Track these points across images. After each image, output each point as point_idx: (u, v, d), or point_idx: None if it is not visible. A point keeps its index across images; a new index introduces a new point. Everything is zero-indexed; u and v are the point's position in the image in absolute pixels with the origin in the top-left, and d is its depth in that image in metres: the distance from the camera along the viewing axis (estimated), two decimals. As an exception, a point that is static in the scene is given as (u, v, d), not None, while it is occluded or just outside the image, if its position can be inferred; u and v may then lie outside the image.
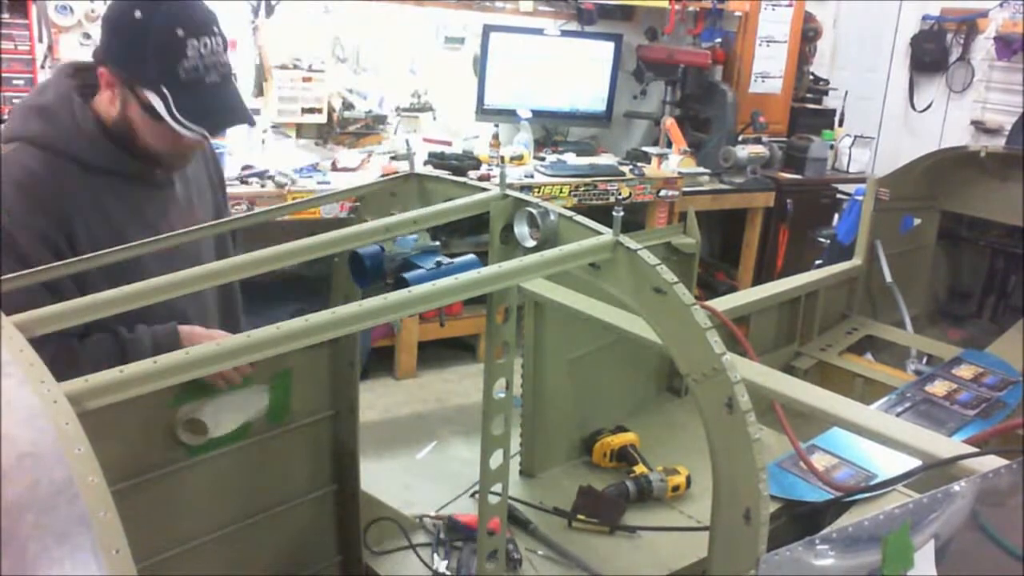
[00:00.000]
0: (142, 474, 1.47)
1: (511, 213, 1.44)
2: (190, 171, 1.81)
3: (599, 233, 1.29)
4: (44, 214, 1.55)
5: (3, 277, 1.25)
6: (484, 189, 1.49)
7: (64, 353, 1.51)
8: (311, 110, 4.23)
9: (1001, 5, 5.56)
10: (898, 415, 2.66)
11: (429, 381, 4.34)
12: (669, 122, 5.06)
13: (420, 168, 1.80)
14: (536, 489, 2.24)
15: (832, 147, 5.51)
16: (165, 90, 1.54)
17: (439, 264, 1.37)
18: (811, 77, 5.86)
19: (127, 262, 1.38)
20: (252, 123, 1.72)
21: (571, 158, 4.72)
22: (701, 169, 4.96)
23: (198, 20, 1.56)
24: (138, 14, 1.53)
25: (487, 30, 4.62)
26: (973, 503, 1.20)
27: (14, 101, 3.63)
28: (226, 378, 1.53)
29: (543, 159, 4.65)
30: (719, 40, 5.21)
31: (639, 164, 4.70)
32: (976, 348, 3.24)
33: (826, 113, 5.80)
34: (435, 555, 1.95)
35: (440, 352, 4.52)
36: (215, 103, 1.60)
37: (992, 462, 1.39)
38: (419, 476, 3.39)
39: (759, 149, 5.04)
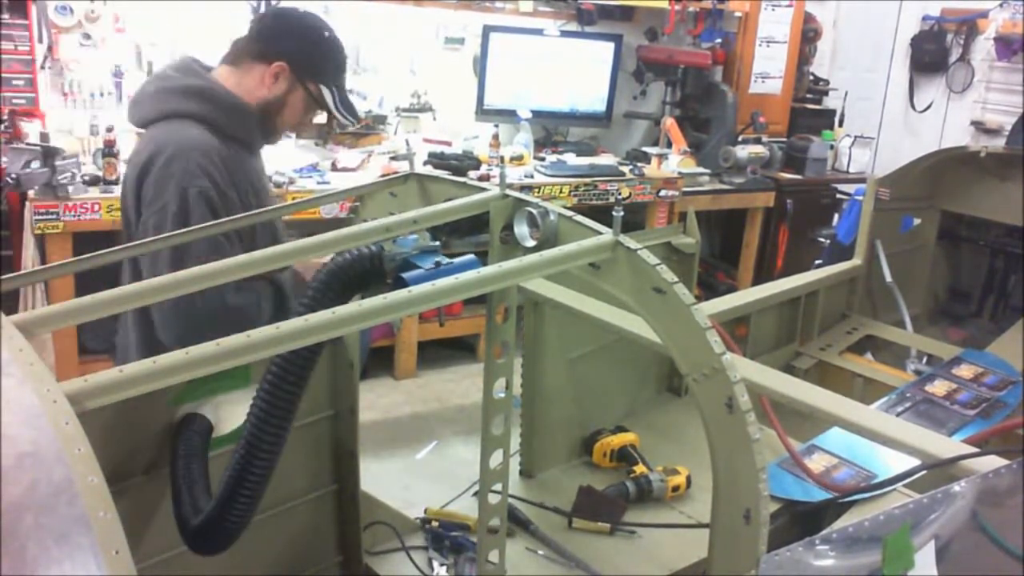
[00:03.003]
0: (142, 474, 1.47)
1: (511, 213, 1.44)
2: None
3: (599, 233, 1.29)
4: (222, 176, 1.94)
5: (3, 277, 1.25)
6: (484, 189, 1.49)
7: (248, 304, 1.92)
8: (311, 110, 4.22)
9: (1001, 5, 5.56)
10: (898, 415, 2.66)
11: (429, 381, 4.34)
12: (669, 122, 5.06)
13: (420, 168, 1.80)
14: (536, 489, 2.24)
15: (832, 147, 5.51)
16: (334, 88, 2.09)
17: (438, 264, 1.36)
18: (811, 77, 5.87)
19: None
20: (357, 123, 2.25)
21: (571, 158, 4.72)
22: (701, 169, 4.96)
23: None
24: (327, 34, 2.11)
25: (487, 30, 4.62)
26: (973, 503, 1.20)
27: (15, 101, 3.64)
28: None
29: (543, 159, 4.66)
30: (719, 40, 5.21)
31: (639, 164, 4.70)
32: (976, 348, 3.24)
33: (826, 113, 5.81)
34: (432, 560, 1.94)
35: (440, 352, 4.52)
36: (350, 99, 2.16)
37: (992, 462, 1.39)
38: (419, 476, 3.39)
39: (759, 149, 5.04)
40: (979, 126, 5.78)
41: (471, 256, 1.38)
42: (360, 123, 2.11)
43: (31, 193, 3.27)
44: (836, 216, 5.13)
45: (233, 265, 1.28)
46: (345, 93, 2.13)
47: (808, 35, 5.63)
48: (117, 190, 3.37)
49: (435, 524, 2.01)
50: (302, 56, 2.06)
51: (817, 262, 4.08)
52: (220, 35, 4.04)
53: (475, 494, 1.99)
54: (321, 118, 4.30)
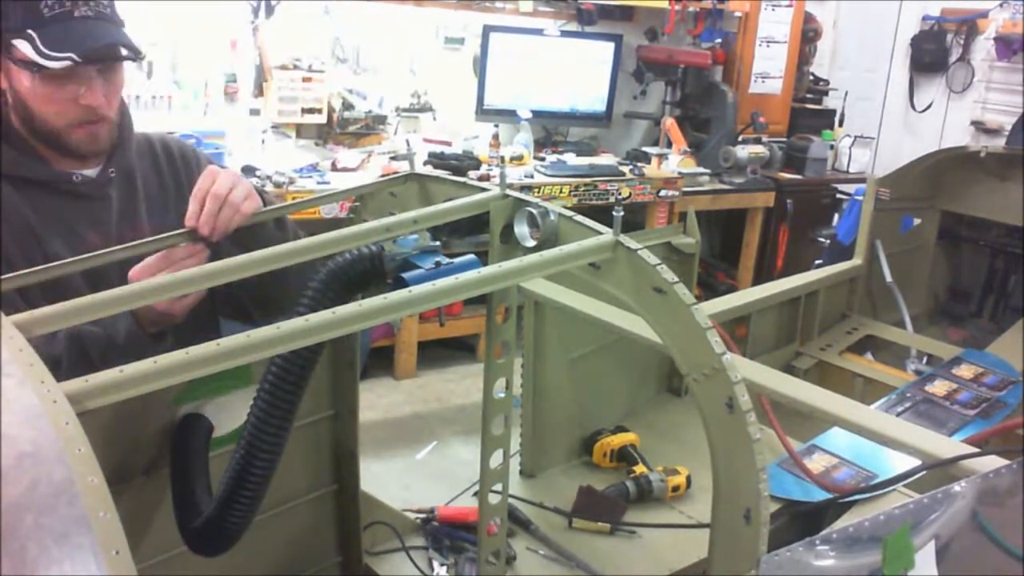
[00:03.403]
0: (142, 474, 1.47)
1: (511, 213, 1.44)
2: (140, 183, 1.72)
3: (599, 233, 1.29)
4: None
5: (3, 277, 1.25)
6: (484, 189, 1.49)
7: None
8: (311, 110, 4.23)
9: (1001, 5, 5.56)
10: (898, 415, 2.66)
11: (429, 381, 4.34)
12: (669, 122, 5.06)
13: (420, 168, 1.80)
14: (536, 489, 2.24)
15: (832, 147, 5.51)
16: (31, 32, 1.46)
17: (438, 264, 1.36)
18: (811, 77, 5.87)
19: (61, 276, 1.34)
20: (134, 57, 1.57)
21: (571, 158, 4.72)
22: (701, 169, 4.96)
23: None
24: None
25: (487, 30, 4.62)
26: (973, 503, 1.20)
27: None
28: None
29: (543, 159, 4.65)
30: (719, 40, 5.21)
31: (639, 164, 4.70)
32: (976, 348, 3.24)
33: (826, 113, 5.81)
34: (432, 560, 1.94)
35: (440, 352, 4.52)
36: (86, 33, 1.49)
37: (992, 462, 1.39)
38: (419, 476, 3.39)
39: (759, 149, 5.04)
40: (979, 126, 5.78)
41: (471, 256, 1.38)
42: (76, 57, 1.44)
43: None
44: (836, 216, 5.13)
45: (228, 267, 1.28)
46: (63, 24, 1.48)
47: (808, 35, 5.63)
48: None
49: (436, 523, 2.02)
50: None
51: (817, 262, 4.08)
52: (219, 35, 4.08)
53: (475, 494, 1.99)
54: (359, 103, 4.31)
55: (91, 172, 1.65)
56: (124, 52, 1.55)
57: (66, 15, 1.48)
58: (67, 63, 1.46)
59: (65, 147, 1.59)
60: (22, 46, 1.47)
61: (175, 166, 1.79)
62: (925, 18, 6.01)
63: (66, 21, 1.48)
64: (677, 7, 4.96)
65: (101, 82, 1.55)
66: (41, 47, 1.46)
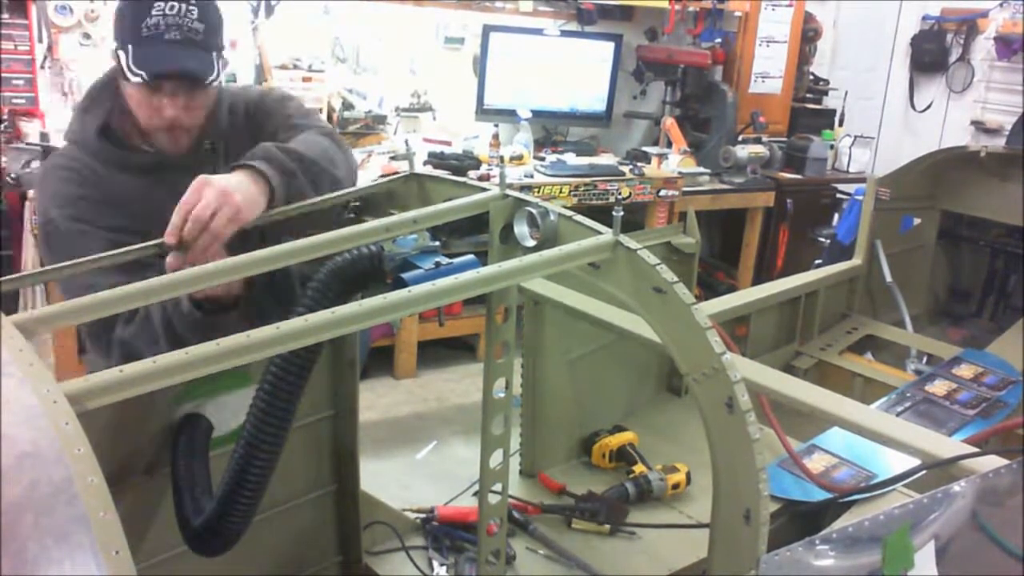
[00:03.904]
0: (142, 474, 1.47)
1: (511, 213, 1.44)
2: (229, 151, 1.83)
3: (599, 233, 1.29)
4: (80, 204, 1.70)
5: (3, 277, 1.25)
6: (484, 189, 1.49)
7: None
8: (311, 110, 4.22)
9: (1001, 5, 5.56)
10: (898, 415, 2.66)
11: (429, 381, 4.34)
12: (669, 122, 5.06)
13: (420, 168, 1.80)
14: (536, 489, 2.24)
15: (832, 147, 5.51)
16: (129, 46, 1.64)
17: (438, 264, 1.36)
18: (811, 77, 5.87)
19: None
20: (204, 80, 1.69)
21: (571, 158, 4.72)
22: (701, 169, 4.96)
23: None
24: None
25: (487, 30, 4.62)
26: (973, 503, 1.20)
27: (14, 101, 3.64)
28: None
29: (543, 159, 4.65)
30: (719, 40, 5.21)
31: (639, 164, 4.70)
32: (976, 348, 3.24)
33: (826, 113, 5.80)
34: (432, 560, 1.94)
35: (440, 352, 4.52)
36: (167, 55, 1.65)
37: (992, 462, 1.39)
38: (419, 476, 3.39)
39: (759, 149, 5.04)
40: (979, 126, 5.78)
41: (471, 256, 1.39)
42: (146, 77, 1.65)
43: (31, 193, 3.27)
44: (836, 216, 5.13)
45: (231, 265, 1.28)
46: (153, 44, 1.64)
47: (808, 35, 5.63)
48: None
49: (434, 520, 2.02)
50: (113, 31, 1.71)
51: (817, 262, 4.08)
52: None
53: (475, 494, 1.99)
54: (359, 103, 4.26)
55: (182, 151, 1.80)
56: (190, 75, 1.69)
57: (157, 38, 1.64)
58: (139, 80, 1.64)
59: (152, 145, 1.78)
60: (121, 56, 1.66)
61: (256, 124, 1.90)
62: (925, 18, 6.01)
63: (155, 44, 1.64)
64: (677, 7, 4.97)
65: (182, 98, 1.70)
66: (129, 62, 1.64)
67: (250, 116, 1.91)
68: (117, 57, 1.67)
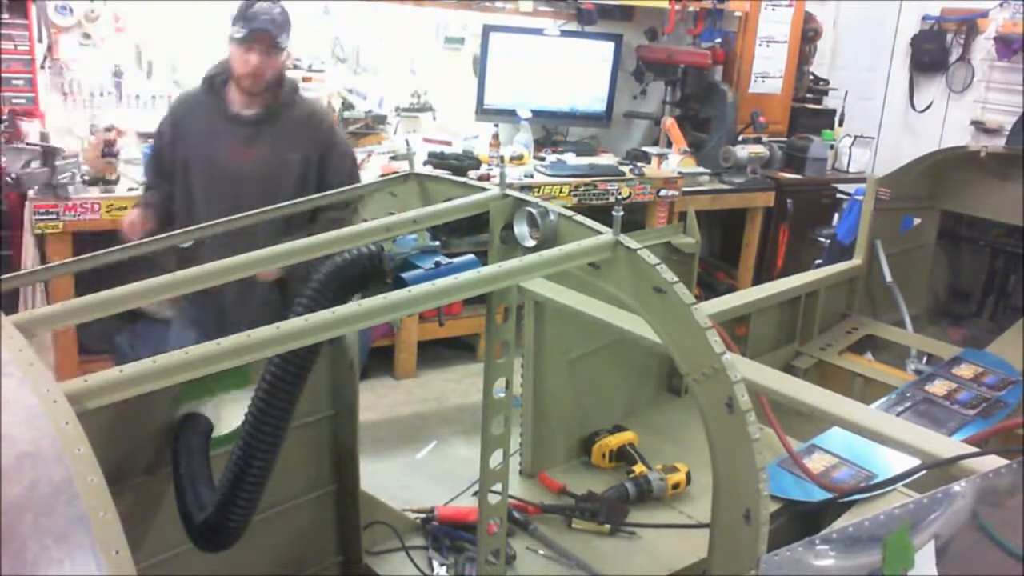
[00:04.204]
0: (142, 474, 1.47)
1: (511, 213, 1.44)
2: (283, 129, 2.58)
3: (599, 233, 1.29)
4: (172, 115, 2.70)
5: (3, 277, 1.25)
6: (484, 189, 1.49)
7: None
8: (311, 110, 4.22)
9: (1001, 5, 5.56)
10: (898, 415, 2.66)
11: (429, 381, 4.33)
12: (669, 122, 5.06)
13: (420, 168, 1.81)
14: (536, 489, 2.24)
15: (832, 147, 5.51)
16: (239, 23, 2.50)
17: (438, 264, 1.36)
18: (811, 77, 5.86)
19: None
20: (277, 40, 2.50)
21: (571, 158, 4.72)
22: (701, 169, 4.96)
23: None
24: None
25: (487, 30, 4.62)
26: (973, 503, 1.20)
27: (14, 101, 3.64)
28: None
29: (543, 159, 4.65)
30: (719, 40, 5.21)
31: (639, 164, 4.69)
32: (976, 347, 3.24)
33: (826, 113, 5.80)
34: (432, 560, 1.94)
35: (440, 352, 4.51)
36: (257, 23, 2.49)
37: (992, 462, 1.39)
38: (419, 476, 3.38)
39: (759, 149, 5.04)
40: (979, 126, 5.78)
41: (471, 256, 1.39)
42: (244, 30, 2.52)
43: (31, 193, 3.27)
44: (836, 216, 5.12)
45: (231, 265, 1.28)
46: (249, 22, 2.48)
47: (808, 35, 5.62)
48: (117, 190, 3.38)
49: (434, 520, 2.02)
50: (234, 16, 2.56)
51: (817, 262, 4.08)
52: (220, 35, 4.07)
53: (475, 494, 1.99)
54: (359, 103, 4.51)
55: (250, 112, 2.58)
56: (268, 33, 2.49)
57: (254, 17, 2.49)
58: (240, 35, 2.47)
59: (240, 88, 2.56)
60: (232, 31, 2.51)
61: (315, 129, 2.67)
62: (925, 18, 6.01)
63: (253, 20, 2.49)
64: (677, 7, 4.96)
65: (257, 56, 2.49)
66: (236, 29, 2.50)
67: (312, 130, 2.65)
68: (230, 35, 2.50)
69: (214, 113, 2.59)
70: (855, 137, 5.53)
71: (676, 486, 2.20)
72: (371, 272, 1.38)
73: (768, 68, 5.46)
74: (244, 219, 1.62)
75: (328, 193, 2.07)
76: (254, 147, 2.57)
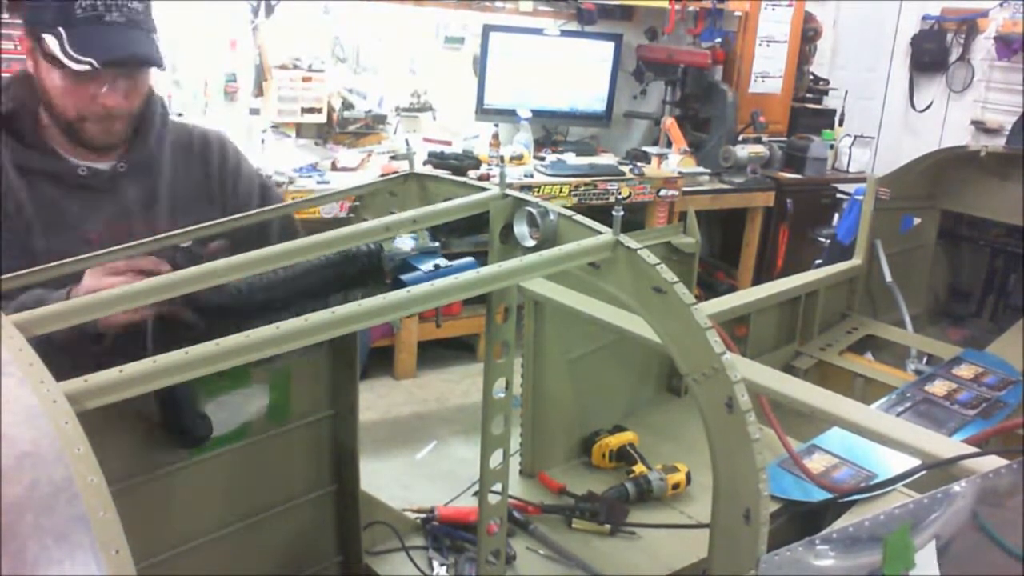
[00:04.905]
0: (142, 474, 1.47)
1: (511, 213, 1.44)
2: (167, 174, 1.71)
3: (599, 232, 1.29)
4: None
5: (3, 277, 1.25)
6: (484, 189, 1.49)
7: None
8: (311, 110, 4.23)
9: (1001, 5, 5.56)
10: (898, 415, 2.66)
11: (429, 381, 4.34)
12: (669, 122, 5.06)
13: (420, 168, 1.80)
14: (536, 489, 2.24)
15: (832, 147, 5.51)
16: (61, 29, 1.48)
17: (437, 267, 1.36)
18: (811, 77, 5.87)
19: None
20: (159, 66, 1.57)
21: (571, 158, 4.72)
22: (701, 169, 4.96)
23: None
24: None
25: (487, 30, 4.62)
26: (973, 503, 1.20)
27: (14, 101, 3.63)
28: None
29: (543, 159, 4.65)
30: (719, 40, 5.21)
31: (639, 164, 4.70)
32: (976, 348, 3.24)
33: (826, 113, 5.81)
34: (432, 560, 1.94)
35: (440, 352, 4.52)
36: (112, 39, 1.51)
37: (992, 462, 1.39)
38: (419, 476, 3.39)
39: (759, 149, 5.04)
40: (979, 125, 5.78)
41: (470, 259, 1.38)
42: (96, 64, 1.47)
43: None
44: (836, 216, 5.13)
45: (230, 265, 1.28)
46: (90, 27, 1.49)
47: (808, 34, 5.63)
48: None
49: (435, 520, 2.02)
50: (28, 14, 1.54)
51: (817, 262, 4.08)
52: (219, 35, 4.08)
53: (475, 494, 1.99)
54: (359, 102, 4.33)
55: (103, 165, 1.63)
56: (146, 61, 1.57)
57: (96, 18, 1.50)
58: (87, 67, 1.48)
59: (79, 139, 1.59)
60: (50, 42, 1.48)
61: (210, 159, 1.77)
62: (925, 17, 6.01)
63: (95, 24, 1.50)
64: (677, 7, 4.96)
65: (123, 83, 1.56)
66: (67, 47, 1.48)
67: (209, 151, 1.77)
68: (38, 43, 1.51)
69: (39, 177, 1.58)
70: (855, 137, 5.54)
71: (676, 486, 2.20)
72: (370, 270, 1.38)
73: (768, 68, 5.46)
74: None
75: (329, 193, 2.07)
76: (126, 221, 1.64)
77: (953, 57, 5.90)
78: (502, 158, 4.43)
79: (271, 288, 1.37)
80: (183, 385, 1.19)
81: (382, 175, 3.89)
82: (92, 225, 1.60)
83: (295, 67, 4.20)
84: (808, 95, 5.84)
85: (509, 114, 4.68)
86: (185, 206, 1.70)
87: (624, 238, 1.26)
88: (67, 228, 1.58)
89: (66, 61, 1.47)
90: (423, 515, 2.04)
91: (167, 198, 1.69)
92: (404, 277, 1.34)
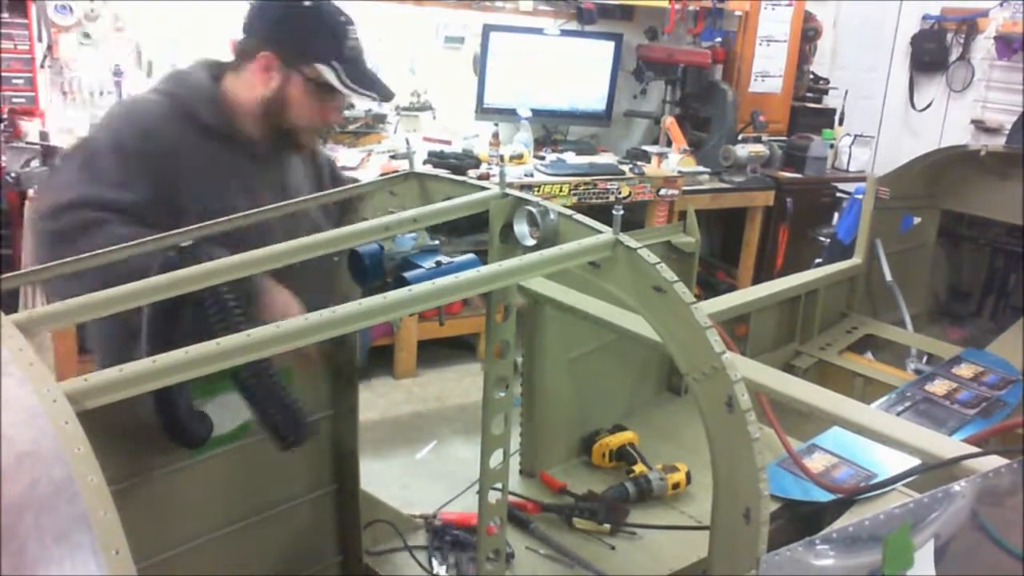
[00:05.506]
0: (142, 474, 1.47)
1: (511, 212, 1.44)
2: (295, 169, 1.99)
3: (599, 232, 1.29)
4: (151, 155, 1.73)
5: (3, 276, 1.25)
6: (484, 188, 1.49)
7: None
8: (311, 109, 4.22)
9: (1001, 5, 5.56)
10: (898, 414, 2.66)
11: (429, 380, 4.34)
12: (669, 121, 5.06)
13: (420, 167, 1.80)
14: (536, 488, 2.24)
15: (832, 146, 5.51)
16: (336, 64, 1.81)
17: (439, 263, 1.36)
18: (811, 76, 5.86)
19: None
20: (390, 98, 1.99)
21: (571, 157, 4.72)
22: (701, 168, 4.96)
23: (347, 11, 1.92)
24: (308, 2, 1.84)
25: (487, 30, 4.62)
26: (973, 503, 1.20)
27: (14, 100, 3.64)
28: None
29: (543, 158, 4.65)
30: (719, 39, 5.21)
31: (639, 163, 4.70)
32: (976, 347, 3.24)
33: (826, 112, 5.80)
34: (433, 559, 1.94)
35: (440, 351, 4.52)
36: (370, 76, 1.91)
37: (992, 462, 1.39)
38: (419, 475, 3.39)
39: (759, 148, 5.04)
40: (979, 125, 5.78)
41: (471, 255, 1.38)
42: (385, 97, 1.95)
43: (31, 192, 3.27)
44: (836, 215, 5.12)
45: (230, 265, 1.28)
46: (355, 64, 1.85)
47: (808, 34, 5.63)
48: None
49: (437, 522, 2.02)
50: (285, 38, 1.82)
51: (817, 261, 4.07)
52: (220, 34, 4.07)
53: (477, 492, 1.99)
54: (360, 101, 4.32)
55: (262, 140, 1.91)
56: (392, 96, 1.98)
57: (359, 57, 1.88)
58: (367, 96, 1.91)
59: (295, 141, 1.92)
60: (325, 71, 1.81)
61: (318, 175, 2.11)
62: (925, 17, 6.01)
63: (358, 62, 1.87)
64: (677, 6, 4.96)
65: (342, 106, 1.97)
66: (345, 78, 1.82)
67: (312, 173, 2.08)
68: (299, 67, 1.81)
69: (226, 148, 1.84)
70: (855, 136, 5.54)
71: (676, 486, 2.20)
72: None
73: (768, 67, 5.46)
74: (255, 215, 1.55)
75: (329, 192, 2.07)
76: (280, 191, 1.89)
77: (953, 57, 5.90)
78: (502, 157, 4.43)
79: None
80: (178, 386, 1.20)
81: (382, 174, 3.88)
82: (260, 191, 1.83)
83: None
84: (808, 94, 5.83)
85: (509, 113, 4.68)
86: (299, 186, 1.98)
87: (624, 237, 1.26)
88: (246, 189, 1.83)
89: (345, 90, 1.84)
90: (425, 518, 2.04)
91: (294, 184, 1.97)
92: (407, 274, 1.34)
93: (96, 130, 1.86)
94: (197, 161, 1.79)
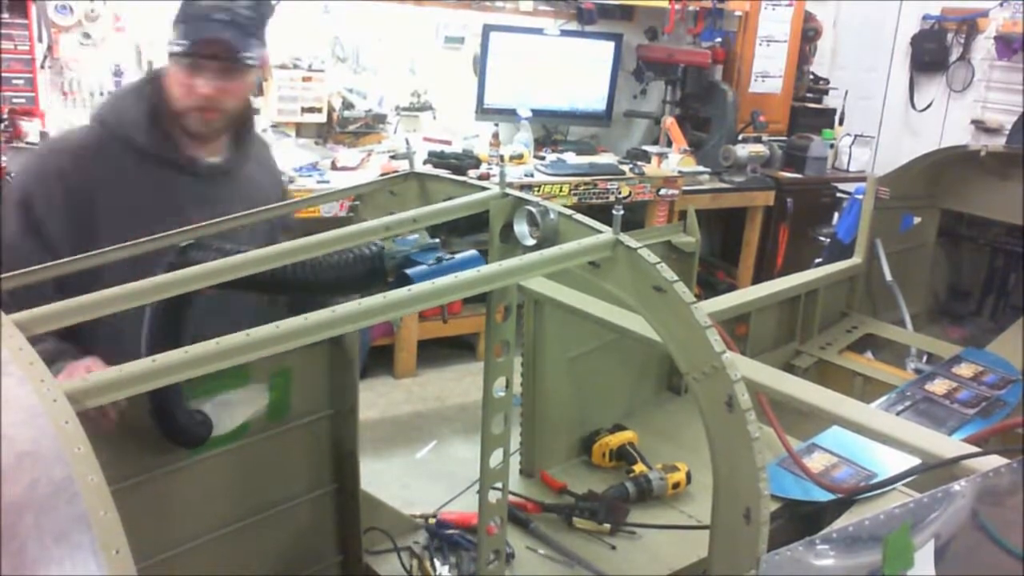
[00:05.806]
0: (142, 474, 1.47)
1: (511, 212, 1.44)
2: (252, 178, 1.88)
3: (599, 231, 1.29)
4: (66, 180, 1.66)
5: (3, 276, 1.25)
6: (484, 188, 1.49)
7: None
8: (311, 109, 4.23)
9: (1001, 5, 5.56)
10: (898, 414, 2.66)
11: (429, 380, 4.34)
12: (669, 121, 5.06)
13: (420, 167, 1.80)
14: (536, 488, 2.24)
15: (832, 146, 5.51)
16: (180, 25, 1.70)
17: (440, 260, 1.36)
18: (811, 76, 5.86)
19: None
20: (240, 58, 1.70)
21: (571, 157, 4.72)
22: (701, 168, 4.96)
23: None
24: None
25: (487, 30, 4.62)
26: (973, 502, 1.20)
27: (14, 100, 3.64)
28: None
29: (543, 158, 4.65)
30: (719, 40, 5.21)
31: (639, 163, 4.70)
32: (976, 346, 3.24)
33: (826, 112, 5.80)
34: (435, 559, 1.94)
35: (440, 351, 4.52)
36: (208, 29, 1.68)
37: (992, 461, 1.39)
38: (419, 475, 3.39)
39: (759, 148, 5.04)
40: (979, 125, 5.77)
41: (473, 252, 1.38)
42: (187, 46, 1.69)
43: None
44: (836, 215, 5.12)
45: (226, 266, 1.28)
46: (193, 24, 1.70)
47: (808, 34, 5.63)
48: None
49: (432, 521, 2.01)
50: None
51: (817, 261, 4.07)
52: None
53: (477, 492, 1.99)
54: (359, 102, 4.28)
55: (216, 159, 1.81)
56: (234, 55, 1.70)
57: (205, 16, 1.69)
58: (180, 49, 1.68)
59: (183, 127, 1.75)
60: (170, 36, 1.70)
61: (273, 163, 2.05)
62: (925, 17, 6.01)
63: (201, 20, 1.69)
64: (677, 6, 4.96)
65: (219, 79, 1.71)
66: (176, 37, 1.69)
67: (272, 170, 2.02)
68: (170, 45, 1.70)
69: (159, 165, 1.74)
70: (855, 136, 5.54)
71: (676, 485, 2.20)
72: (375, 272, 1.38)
73: (768, 67, 5.46)
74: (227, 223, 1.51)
75: (329, 192, 2.07)
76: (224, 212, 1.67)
77: (953, 57, 5.90)
78: (502, 157, 4.43)
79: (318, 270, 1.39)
80: (172, 387, 1.20)
81: (382, 174, 3.89)
82: (195, 213, 1.63)
83: (295, 67, 4.20)
84: (808, 95, 5.83)
85: (509, 113, 4.68)
86: (257, 201, 1.76)
87: (624, 237, 1.26)
88: (174, 211, 1.66)
89: (171, 47, 1.69)
90: (425, 517, 2.04)
91: (255, 198, 1.77)
92: (409, 271, 1.33)
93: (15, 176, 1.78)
94: (122, 187, 1.70)
